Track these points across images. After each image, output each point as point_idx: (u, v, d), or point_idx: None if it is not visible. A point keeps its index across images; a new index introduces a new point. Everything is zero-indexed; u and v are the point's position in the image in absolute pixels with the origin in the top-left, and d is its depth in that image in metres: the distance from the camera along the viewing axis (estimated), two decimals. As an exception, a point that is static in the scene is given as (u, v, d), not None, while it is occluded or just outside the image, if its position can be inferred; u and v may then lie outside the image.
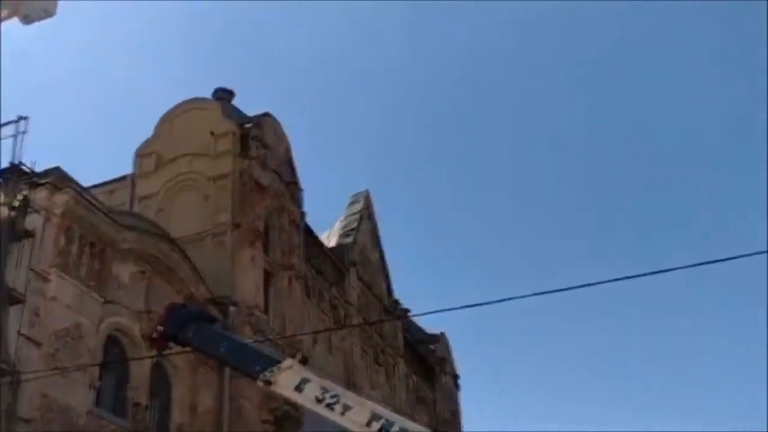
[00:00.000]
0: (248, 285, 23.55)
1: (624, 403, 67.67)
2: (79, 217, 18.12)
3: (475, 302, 10.77)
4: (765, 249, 8.96)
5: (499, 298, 10.60)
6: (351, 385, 26.79)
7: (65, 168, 18.21)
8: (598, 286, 10.02)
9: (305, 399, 12.91)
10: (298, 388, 12.94)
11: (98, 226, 18.66)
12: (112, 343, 18.77)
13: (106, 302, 18.45)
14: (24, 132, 17.57)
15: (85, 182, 19.45)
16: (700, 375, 70.06)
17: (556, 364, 72.00)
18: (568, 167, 77.58)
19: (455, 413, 40.30)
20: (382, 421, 11.98)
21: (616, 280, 10.00)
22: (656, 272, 9.79)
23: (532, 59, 74.52)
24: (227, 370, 20.45)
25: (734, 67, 68.75)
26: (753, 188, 68.33)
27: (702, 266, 9.34)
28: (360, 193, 36.40)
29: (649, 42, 70.24)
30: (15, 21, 13.44)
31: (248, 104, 28.13)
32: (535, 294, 10.34)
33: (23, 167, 17.76)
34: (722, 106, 69.51)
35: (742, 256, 9.09)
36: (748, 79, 66.58)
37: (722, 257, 9.27)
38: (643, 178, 74.02)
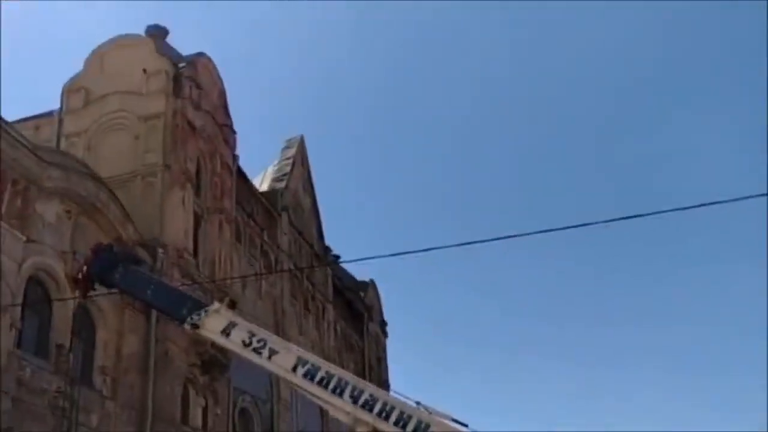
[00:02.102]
0: (178, 228, 23.22)
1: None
2: (1, 152, 17.52)
3: (404, 250, 10.89)
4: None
5: (428, 247, 10.72)
6: (280, 331, 26.86)
7: (-13, 101, 17.58)
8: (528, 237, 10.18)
9: (232, 343, 12.95)
10: (225, 332, 12.96)
11: (22, 162, 18.07)
12: (35, 283, 18.31)
13: (29, 241, 17.95)
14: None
15: (10, 117, 18.79)
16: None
17: (485, 316, 73.53)
18: (505, 118, 78.23)
19: (380, 360, 40.90)
20: (308, 366, 12.12)
21: (545, 231, 10.14)
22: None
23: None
24: (154, 314, 20.24)
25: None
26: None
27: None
28: (294, 138, 36.11)
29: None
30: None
31: (183, 44, 27.51)
32: (465, 243, 10.47)
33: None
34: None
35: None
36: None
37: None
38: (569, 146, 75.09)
